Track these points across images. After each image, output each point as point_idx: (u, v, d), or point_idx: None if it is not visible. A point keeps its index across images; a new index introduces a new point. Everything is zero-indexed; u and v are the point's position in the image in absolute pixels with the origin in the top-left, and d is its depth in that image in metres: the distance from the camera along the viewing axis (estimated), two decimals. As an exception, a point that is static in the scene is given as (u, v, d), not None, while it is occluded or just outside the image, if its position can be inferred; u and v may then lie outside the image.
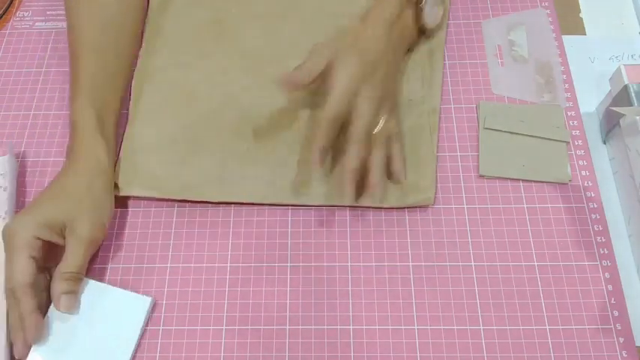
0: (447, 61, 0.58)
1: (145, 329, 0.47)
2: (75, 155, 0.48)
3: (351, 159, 0.46)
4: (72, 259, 0.44)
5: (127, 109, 0.56)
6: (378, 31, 0.50)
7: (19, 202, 0.53)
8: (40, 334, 0.44)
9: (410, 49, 0.57)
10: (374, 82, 0.48)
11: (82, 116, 0.49)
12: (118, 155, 0.53)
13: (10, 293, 0.43)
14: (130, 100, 0.57)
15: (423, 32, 0.55)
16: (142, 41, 0.59)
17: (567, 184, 0.51)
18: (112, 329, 0.46)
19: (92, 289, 0.47)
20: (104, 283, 0.48)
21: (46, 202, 0.46)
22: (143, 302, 0.47)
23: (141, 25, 0.59)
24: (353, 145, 0.46)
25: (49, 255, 0.45)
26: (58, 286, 0.44)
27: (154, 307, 0.48)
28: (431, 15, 0.52)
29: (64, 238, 0.45)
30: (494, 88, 0.56)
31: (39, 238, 0.44)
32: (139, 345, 0.46)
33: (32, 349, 0.44)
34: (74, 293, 0.45)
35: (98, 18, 0.53)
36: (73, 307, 0.45)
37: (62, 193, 0.47)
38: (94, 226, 0.46)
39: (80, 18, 0.53)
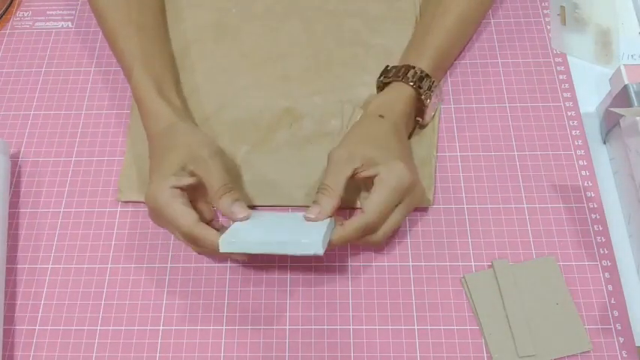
0: (447, 61, 0.58)
1: (145, 329, 0.47)
2: (147, 126, 0.50)
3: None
4: (212, 179, 0.45)
5: (127, 110, 0.56)
6: (400, 128, 0.49)
7: (19, 202, 0.53)
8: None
9: None
10: (413, 194, 0.46)
11: (142, 87, 0.50)
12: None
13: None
14: (131, 100, 0.57)
15: (419, 126, 0.54)
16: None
17: (567, 184, 0.51)
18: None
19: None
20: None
21: (162, 160, 0.47)
22: None
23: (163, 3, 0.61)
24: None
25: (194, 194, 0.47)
26: (223, 201, 0.45)
27: (154, 307, 0.48)
28: (429, 113, 0.52)
29: (194, 175, 0.46)
30: (554, 43, 0.58)
31: (177, 187, 0.45)
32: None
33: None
34: (238, 200, 0.45)
35: (132, 1, 0.54)
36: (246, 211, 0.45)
37: (165, 147, 0.47)
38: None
39: (112, 5, 0.54)
